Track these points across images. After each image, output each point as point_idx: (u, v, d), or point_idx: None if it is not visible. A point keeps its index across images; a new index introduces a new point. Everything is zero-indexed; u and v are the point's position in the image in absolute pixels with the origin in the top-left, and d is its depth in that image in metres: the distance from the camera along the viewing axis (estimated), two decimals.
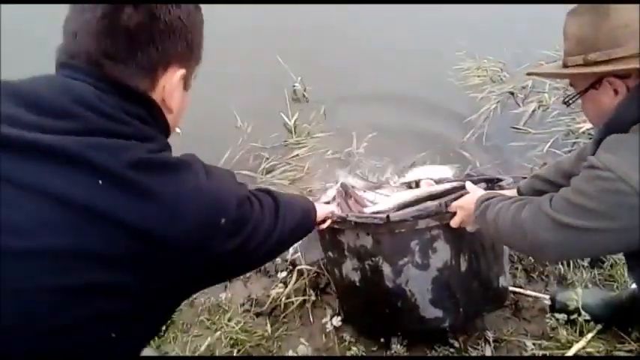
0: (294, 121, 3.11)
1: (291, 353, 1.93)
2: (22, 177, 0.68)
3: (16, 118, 0.71)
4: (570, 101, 1.23)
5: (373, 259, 1.74)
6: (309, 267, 2.25)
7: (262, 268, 2.27)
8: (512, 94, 3.22)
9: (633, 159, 1.00)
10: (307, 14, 3.88)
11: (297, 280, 2.20)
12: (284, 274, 2.23)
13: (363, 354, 1.91)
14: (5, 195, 0.66)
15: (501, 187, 1.80)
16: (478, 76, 3.37)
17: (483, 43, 3.59)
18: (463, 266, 1.74)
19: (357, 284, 1.84)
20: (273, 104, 3.22)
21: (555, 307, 1.93)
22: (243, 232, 0.90)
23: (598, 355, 1.78)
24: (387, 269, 1.73)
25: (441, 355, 1.87)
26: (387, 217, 1.64)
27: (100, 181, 0.69)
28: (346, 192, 2.20)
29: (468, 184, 1.68)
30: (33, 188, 0.67)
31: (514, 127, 3.00)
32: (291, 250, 2.26)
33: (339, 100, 3.25)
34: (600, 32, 1.09)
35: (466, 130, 3.00)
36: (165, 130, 0.89)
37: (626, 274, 2.02)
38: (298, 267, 2.24)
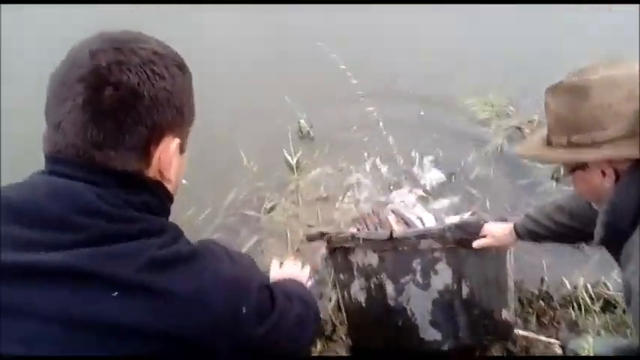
0: (297, 159, 3.10)
1: None
2: (30, 305, 0.64)
3: (15, 239, 0.67)
4: (559, 179, 1.19)
5: (378, 276, 1.80)
6: None
7: None
8: (519, 129, 3.18)
9: None
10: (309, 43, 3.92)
11: None
12: None
13: None
14: (20, 328, 0.63)
15: None
16: (484, 111, 3.35)
17: (488, 76, 3.59)
18: (464, 292, 1.76)
19: (364, 304, 1.88)
20: (279, 142, 3.22)
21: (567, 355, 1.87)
22: (269, 319, 0.85)
23: None
24: (389, 287, 1.78)
25: None
26: (391, 232, 1.69)
27: (116, 293, 0.66)
28: (374, 213, 2.20)
29: None
30: (44, 316, 0.63)
31: (521, 159, 2.95)
32: None
33: (343, 136, 3.26)
34: (580, 113, 1.03)
35: (473, 166, 2.98)
36: (170, 202, 0.86)
37: None
38: None
